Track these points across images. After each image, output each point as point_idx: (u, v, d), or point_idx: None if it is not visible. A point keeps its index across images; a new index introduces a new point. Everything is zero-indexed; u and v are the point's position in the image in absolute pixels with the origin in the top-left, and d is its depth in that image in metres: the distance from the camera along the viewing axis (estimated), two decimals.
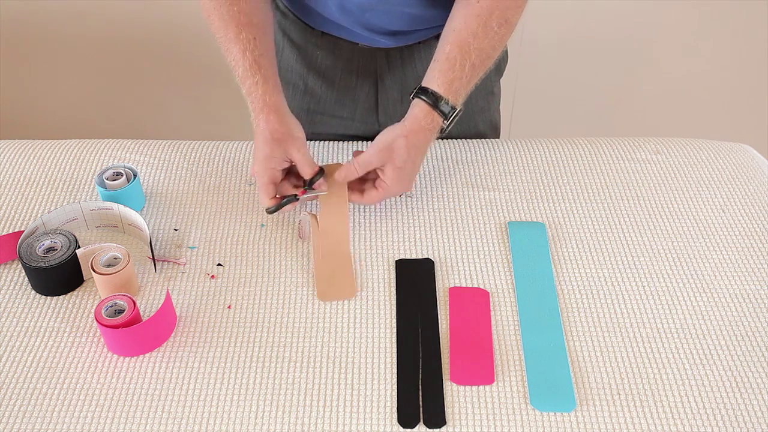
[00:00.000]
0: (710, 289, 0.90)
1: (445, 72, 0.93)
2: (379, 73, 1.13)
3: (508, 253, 0.94)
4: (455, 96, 0.93)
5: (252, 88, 0.94)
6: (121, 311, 0.82)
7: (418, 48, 1.11)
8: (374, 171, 0.96)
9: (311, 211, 0.98)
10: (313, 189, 0.94)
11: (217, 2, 0.96)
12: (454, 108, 0.93)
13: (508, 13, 0.93)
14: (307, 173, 0.94)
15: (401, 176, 0.93)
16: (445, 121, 0.94)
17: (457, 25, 0.94)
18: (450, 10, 0.96)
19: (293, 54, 1.15)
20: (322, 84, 1.15)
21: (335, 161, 1.09)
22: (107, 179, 0.98)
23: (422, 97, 0.93)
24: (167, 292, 0.84)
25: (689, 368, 0.82)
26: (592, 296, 0.89)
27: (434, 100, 0.92)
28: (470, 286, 0.90)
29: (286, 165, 0.94)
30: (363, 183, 0.97)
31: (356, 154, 0.98)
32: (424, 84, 0.94)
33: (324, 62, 1.14)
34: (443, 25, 0.97)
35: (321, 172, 0.94)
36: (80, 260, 0.89)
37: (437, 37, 0.97)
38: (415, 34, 1.09)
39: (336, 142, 1.12)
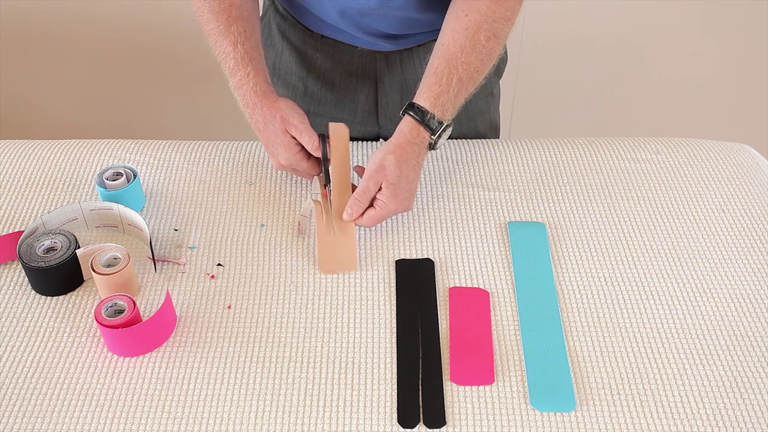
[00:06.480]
0: (710, 289, 0.90)
1: (432, 86, 0.93)
2: (378, 75, 1.13)
3: (508, 253, 0.94)
4: (442, 110, 0.93)
5: (243, 80, 0.97)
6: (121, 311, 0.82)
7: (417, 50, 1.11)
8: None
9: (315, 198, 0.98)
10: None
11: None
12: (441, 123, 0.94)
13: (496, 27, 0.93)
14: (309, 147, 0.96)
15: (396, 192, 0.93)
16: (433, 136, 0.94)
17: (445, 39, 0.94)
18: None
19: (293, 56, 1.15)
20: (321, 86, 1.15)
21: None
22: (107, 179, 0.98)
23: (410, 112, 0.94)
24: (167, 292, 0.84)
25: (689, 368, 0.82)
26: (592, 296, 0.89)
27: (421, 115, 0.93)
28: (470, 286, 0.90)
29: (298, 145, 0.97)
30: None
31: (358, 169, 0.98)
32: (413, 100, 0.95)
33: (323, 65, 1.14)
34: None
35: (322, 137, 0.96)
36: (80, 260, 0.89)
37: (436, 39, 0.97)
38: (414, 38, 1.09)
39: None
